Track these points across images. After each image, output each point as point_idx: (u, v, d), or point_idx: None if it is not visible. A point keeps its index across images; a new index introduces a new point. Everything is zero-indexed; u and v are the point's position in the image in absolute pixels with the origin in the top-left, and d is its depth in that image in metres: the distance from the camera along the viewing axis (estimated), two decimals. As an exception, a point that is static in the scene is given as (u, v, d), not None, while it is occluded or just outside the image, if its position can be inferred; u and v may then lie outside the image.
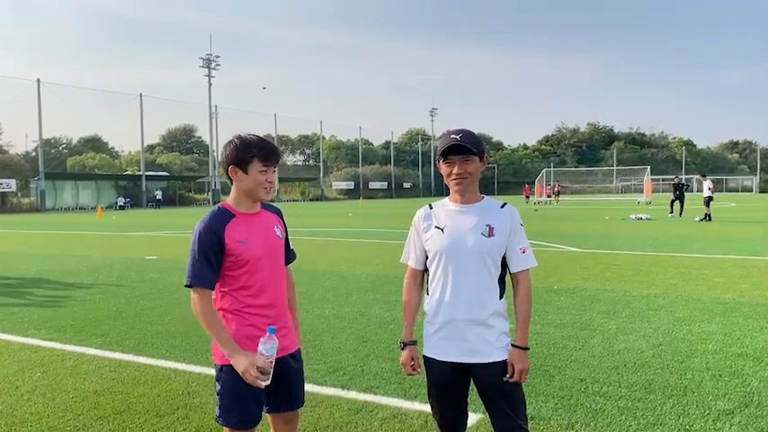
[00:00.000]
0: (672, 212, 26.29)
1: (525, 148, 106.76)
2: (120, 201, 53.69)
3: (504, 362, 2.52)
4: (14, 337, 6.16)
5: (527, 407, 2.65)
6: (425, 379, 2.69)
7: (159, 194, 56.91)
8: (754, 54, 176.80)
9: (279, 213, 2.76)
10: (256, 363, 2.37)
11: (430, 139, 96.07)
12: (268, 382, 2.41)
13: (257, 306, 2.53)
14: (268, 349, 2.38)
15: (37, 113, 50.03)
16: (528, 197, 52.50)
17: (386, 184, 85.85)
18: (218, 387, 2.55)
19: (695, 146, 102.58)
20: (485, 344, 2.52)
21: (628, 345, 5.52)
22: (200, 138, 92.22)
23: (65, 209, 50.73)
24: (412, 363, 2.64)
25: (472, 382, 2.61)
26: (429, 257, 2.62)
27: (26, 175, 52.32)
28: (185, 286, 2.44)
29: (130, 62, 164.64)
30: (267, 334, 2.41)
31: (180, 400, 4.24)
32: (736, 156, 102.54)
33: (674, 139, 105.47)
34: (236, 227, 2.50)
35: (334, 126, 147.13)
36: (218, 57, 62.60)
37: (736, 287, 8.37)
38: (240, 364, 2.38)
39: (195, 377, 4.74)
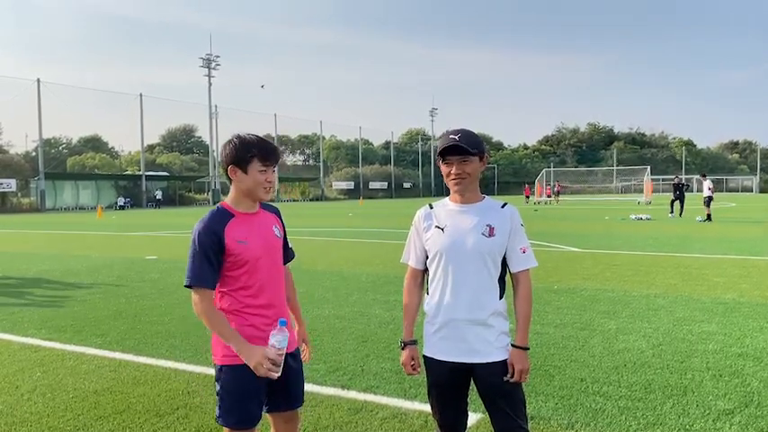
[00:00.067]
0: (672, 212, 26.29)
1: (525, 148, 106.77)
2: (120, 201, 53.69)
3: (504, 362, 2.52)
4: (14, 337, 6.16)
5: (527, 407, 2.65)
6: (425, 379, 2.69)
7: (159, 194, 56.93)
8: (754, 54, 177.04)
9: (277, 213, 2.76)
10: (268, 355, 2.38)
11: (430, 139, 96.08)
12: (279, 374, 2.42)
13: (256, 306, 2.53)
14: (280, 341, 2.39)
15: (37, 113, 50.07)
16: (528, 197, 52.51)
17: (386, 184, 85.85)
18: (218, 387, 2.55)
19: (695, 146, 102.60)
20: (485, 344, 2.52)
21: (628, 345, 5.52)
22: (200, 138, 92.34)
23: (65, 209, 50.73)
24: (412, 362, 2.64)
25: (472, 381, 2.61)
26: (429, 257, 2.62)
27: (26, 175, 52.34)
28: (186, 286, 2.44)
29: (130, 62, 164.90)
30: (278, 326, 2.42)
31: (180, 400, 4.24)
32: (736, 156, 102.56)
33: (674, 139, 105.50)
34: (235, 227, 2.49)
35: (334, 126, 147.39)
36: (218, 57, 62.67)
37: (737, 287, 8.37)
38: (252, 357, 2.39)
39: (195, 377, 4.75)
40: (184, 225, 24.18)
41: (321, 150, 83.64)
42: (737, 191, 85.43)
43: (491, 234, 2.51)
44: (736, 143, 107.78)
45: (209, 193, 62.08)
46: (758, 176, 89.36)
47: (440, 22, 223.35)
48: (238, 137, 2.53)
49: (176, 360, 5.24)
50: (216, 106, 63.16)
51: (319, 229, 21.38)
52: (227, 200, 2.59)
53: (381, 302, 7.57)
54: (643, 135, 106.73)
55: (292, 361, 2.65)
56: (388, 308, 7.22)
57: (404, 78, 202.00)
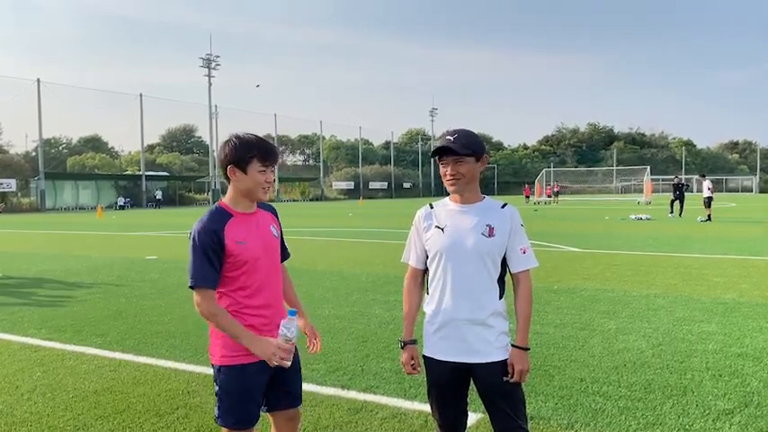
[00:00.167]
0: (672, 212, 26.29)
1: (525, 148, 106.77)
2: (120, 201, 53.70)
3: (504, 362, 2.53)
4: (14, 337, 6.17)
5: (527, 407, 2.65)
6: (425, 379, 2.69)
7: (159, 194, 56.94)
8: (754, 54, 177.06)
9: (274, 212, 2.75)
10: (280, 345, 2.40)
11: (430, 139, 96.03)
12: (290, 364, 2.46)
13: (255, 306, 2.53)
14: (291, 330, 2.42)
15: (37, 113, 50.07)
16: (528, 197, 52.50)
17: (386, 184, 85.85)
18: (217, 388, 2.55)
19: (695, 146, 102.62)
20: (484, 344, 2.52)
21: (627, 345, 5.52)
22: (200, 138, 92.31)
23: (65, 209, 50.73)
24: (412, 362, 2.64)
25: (472, 381, 2.61)
26: (429, 257, 2.62)
27: (26, 174, 52.35)
28: (190, 287, 2.43)
29: (130, 62, 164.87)
30: (288, 316, 2.45)
31: (180, 400, 4.25)
32: (735, 156, 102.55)
33: (674, 139, 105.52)
34: (234, 227, 2.49)
35: (334, 126, 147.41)
36: (218, 57, 62.63)
37: (736, 287, 8.37)
38: (266, 349, 2.40)
39: (195, 377, 4.76)
40: (184, 225, 24.17)
41: (321, 150, 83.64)
42: (737, 191, 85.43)
43: (491, 234, 2.51)
44: (736, 143, 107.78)
45: (209, 193, 62.07)
46: (758, 176, 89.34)
47: (440, 22, 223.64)
48: (237, 136, 2.52)
49: (176, 360, 5.24)
50: (216, 106, 63.23)
51: (319, 229, 21.38)
52: (225, 200, 2.58)
53: (381, 302, 7.57)
54: (643, 135, 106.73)
55: None
56: (388, 308, 7.22)
57: (404, 78, 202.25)
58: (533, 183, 58.09)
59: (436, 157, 2.56)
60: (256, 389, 2.54)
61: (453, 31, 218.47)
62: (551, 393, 4.30)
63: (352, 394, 4.34)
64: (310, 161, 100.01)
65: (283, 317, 2.56)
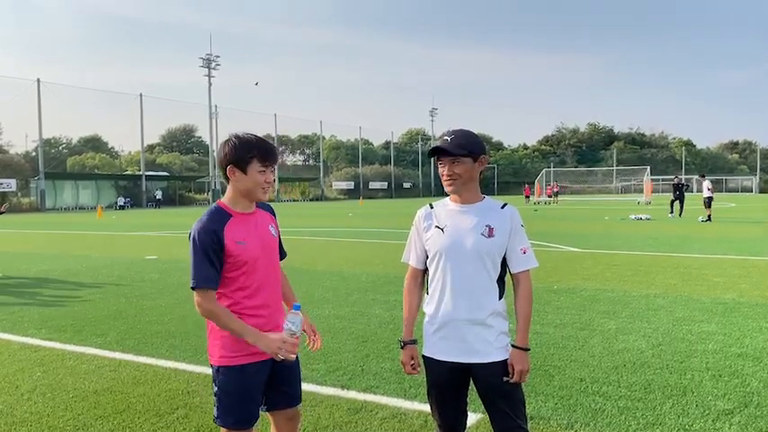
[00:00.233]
0: (672, 213, 26.30)
1: (525, 148, 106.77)
2: (120, 201, 53.69)
3: (504, 362, 2.53)
4: (14, 337, 6.17)
5: (526, 407, 2.65)
6: (425, 379, 2.69)
7: (159, 194, 56.93)
8: (754, 54, 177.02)
9: (272, 211, 2.75)
10: (285, 339, 2.41)
11: (430, 139, 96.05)
12: (295, 357, 2.48)
13: (253, 307, 2.53)
14: (295, 324, 2.44)
15: (37, 113, 50.09)
16: (528, 197, 52.50)
17: (386, 184, 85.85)
18: (216, 388, 2.55)
19: (695, 146, 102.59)
20: (484, 344, 2.52)
21: (627, 345, 5.52)
22: (200, 138, 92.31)
23: (65, 209, 50.73)
24: (411, 362, 2.64)
25: (472, 381, 2.61)
26: (429, 257, 2.63)
27: (26, 174, 52.35)
28: (192, 288, 2.43)
29: (130, 62, 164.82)
30: (293, 310, 2.47)
31: (180, 400, 4.25)
32: (735, 156, 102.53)
33: (674, 139, 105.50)
34: (234, 227, 2.48)
35: (334, 126, 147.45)
36: (218, 57, 62.70)
37: (736, 287, 8.37)
38: (271, 344, 2.41)
39: (195, 377, 4.76)
40: (184, 225, 24.17)
41: (321, 150, 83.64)
42: (737, 191, 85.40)
43: (490, 234, 2.51)
44: (736, 143, 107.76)
45: (209, 193, 62.08)
46: (758, 176, 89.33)
47: (440, 22, 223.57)
48: (237, 136, 2.51)
49: (176, 360, 5.24)
50: (216, 106, 63.25)
51: (319, 229, 21.37)
52: (224, 199, 2.57)
53: (381, 302, 7.57)
54: (643, 135, 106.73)
55: None
56: (388, 308, 7.22)
57: (404, 78, 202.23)
58: (533, 183, 58.10)
59: (435, 158, 2.56)
60: (255, 389, 2.54)
61: (453, 31, 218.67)
62: (551, 393, 4.30)
63: (352, 394, 4.34)
64: (310, 161, 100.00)
65: (281, 317, 2.56)
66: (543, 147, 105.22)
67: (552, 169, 70.98)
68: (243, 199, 2.55)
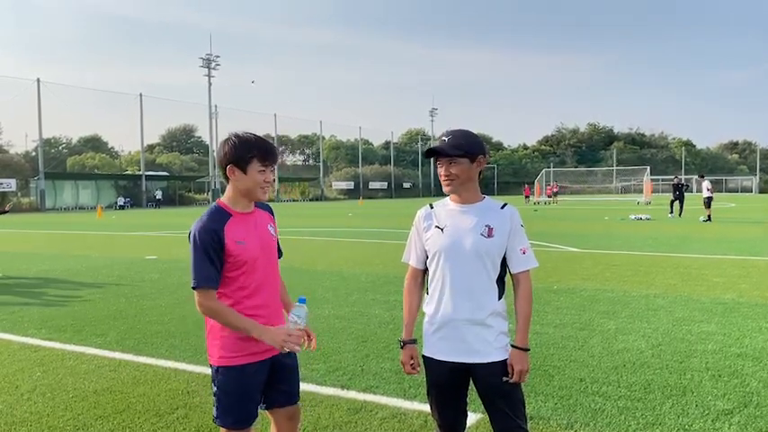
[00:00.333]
0: (671, 213, 26.31)
1: (525, 148, 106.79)
2: (120, 201, 53.71)
3: (504, 362, 2.53)
4: (14, 337, 6.17)
5: (526, 407, 2.65)
6: (425, 379, 2.69)
7: (159, 194, 56.95)
8: (754, 54, 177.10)
9: (271, 211, 2.75)
10: (290, 332, 2.43)
11: (430, 139, 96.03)
12: (300, 349, 2.50)
13: (252, 306, 2.53)
14: (302, 317, 2.46)
15: (37, 113, 50.08)
16: (528, 197, 52.50)
17: (386, 184, 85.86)
18: (215, 388, 2.55)
19: (695, 146, 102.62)
20: (484, 344, 2.52)
21: (627, 345, 5.52)
22: (199, 138, 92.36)
23: (65, 209, 50.73)
24: (411, 362, 2.64)
25: (471, 381, 2.61)
26: (429, 257, 2.63)
27: (26, 174, 52.35)
28: (193, 288, 2.43)
29: (130, 62, 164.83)
30: (297, 303, 2.49)
31: (180, 400, 4.25)
32: (735, 156, 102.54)
33: (674, 139, 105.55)
34: (233, 227, 2.48)
35: (334, 126, 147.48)
36: (218, 57, 62.68)
37: (736, 287, 8.37)
38: (276, 337, 2.42)
39: (195, 377, 4.76)
40: (184, 225, 24.16)
41: (321, 150, 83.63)
42: (737, 191, 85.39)
43: (490, 235, 2.51)
44: (736, 143, 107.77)
45: (209, 193, 62.07)
46: (758, 177, 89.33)
47: (440, 22, 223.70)
48: (237, 136, 2.51)
49: (176, 360, 5.24)
50: (216, 106, 63.25)
51: (319, 229, 21.36)
52: (224, 199, 2.57)
53: (381, 302, 7.57)
54: (643, 135, 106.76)
55: (287, 358, 2.64)
56: (387, 308, 7.23)
57: (404, 78, 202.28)
58: (533, 183, 58.09)
59: (434, 158, 2.57)
60: (254, 388, 2.54)
61: (453, 31, 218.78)
62: (551, 393, 4.30)
63: (352, 394, 4.34)
64: (310, 161, 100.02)
65: (281, 316, 2.56)
66: (543, 147, 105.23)
67: (552, 169, 70.93)
68: (242, 198, 2.55)
